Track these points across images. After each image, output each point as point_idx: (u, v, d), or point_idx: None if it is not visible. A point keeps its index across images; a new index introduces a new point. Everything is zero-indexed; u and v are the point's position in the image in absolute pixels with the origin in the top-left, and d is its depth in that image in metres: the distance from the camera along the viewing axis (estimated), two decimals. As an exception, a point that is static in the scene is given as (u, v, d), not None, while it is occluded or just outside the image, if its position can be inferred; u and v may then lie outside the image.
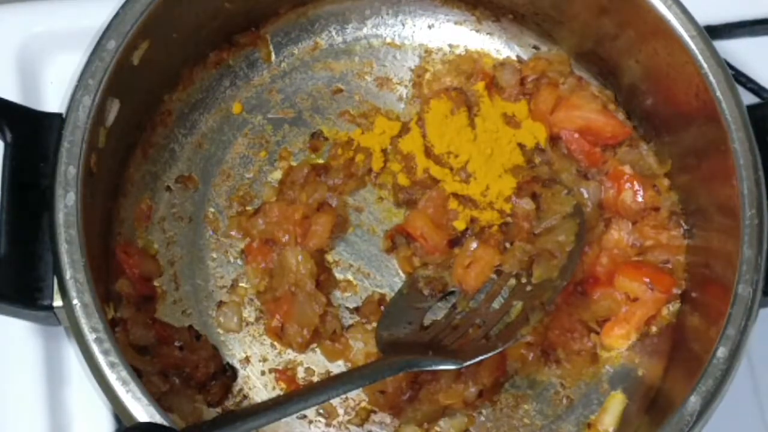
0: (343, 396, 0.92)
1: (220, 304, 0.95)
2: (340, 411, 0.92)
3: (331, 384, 0.84)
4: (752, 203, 0.85)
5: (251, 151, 1.00)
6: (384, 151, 0.99)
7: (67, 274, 0.80)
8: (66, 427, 0.94)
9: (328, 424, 0.92)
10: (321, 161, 1.00)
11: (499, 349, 0.88)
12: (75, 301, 0.79)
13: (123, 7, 0.88)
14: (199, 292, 0.95)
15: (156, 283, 0.95)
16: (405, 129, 1.00)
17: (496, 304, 0.93)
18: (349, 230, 0.98)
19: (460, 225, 0.95)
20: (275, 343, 0.94)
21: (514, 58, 1.05)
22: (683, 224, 0.96)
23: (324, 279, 0.95)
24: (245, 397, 0.93)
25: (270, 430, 0.90)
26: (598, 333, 0.95)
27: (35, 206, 0.83)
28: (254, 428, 0.79)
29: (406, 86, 1.03)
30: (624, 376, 0.95)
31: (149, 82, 0.95)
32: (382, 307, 0.95)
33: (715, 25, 1.08)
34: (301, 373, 0.93)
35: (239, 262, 0.96)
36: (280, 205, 0.96)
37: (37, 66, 1.04)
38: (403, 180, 0.98)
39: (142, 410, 0.77)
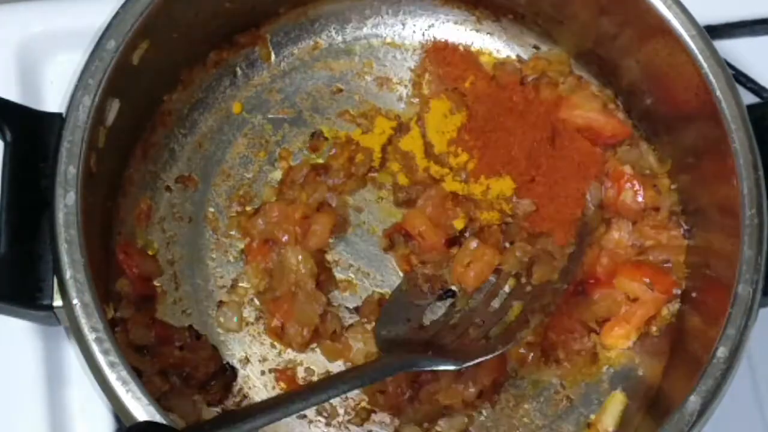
0: (343, 396, 0.92)
1: (220, 304, 0.95)
2: (340, 411, 0.92)
3: (331, 384, 0.84)
4: (752, 203, 0.85)
5: (251, 151, 1.00)
6: (384, 150, 1.00)
7: (67, 274, 0.80)
8: (66, 427, 0.94)
9: (328, 424, 0.92)
10: (321, 161, 1.00)
11: (499, 351, 0.88)
12: (75, 301, 0.79)
13: (123, 7, 0.88)
14: (199, 292, 0.95)
15: (156, 283, 0.95)
16: (405, 129, 1.00)
17: (495, 304, 0.93)
18: (349, 230, 0.98)
19: (459, 224, 0.95)
20: (275, 342, 0.94)
21: (514, 57, 1.05)
22: (683, 224, 0.96)
23: (324, 279, 0.95)
24: (245, 396, 0.93)
25: (270, 430, 0.90)
26: (598, 333, 0.95)
27: (35, 206, 0.83)
28: (254, 428, 0.79)
29: (406, 86, 1.03)
30: (624, 376, 0.95)
31: (149, 82, 0.95)
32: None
33: (715, 25, 1.08)
34: (301, 373, 0.93)
35: (239, 262, 0.96)
36: (280, 205, 0.96)
37: (37, 66, 1.04)
38: (402, 180, 0.98)
39: (142, 410, 0.77)
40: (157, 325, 0.92)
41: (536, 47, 1.05)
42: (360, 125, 1.01)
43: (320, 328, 0.93)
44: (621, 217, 0.97)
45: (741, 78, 1.07)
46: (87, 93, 0.85)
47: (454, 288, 0.95)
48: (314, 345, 0.94)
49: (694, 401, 0.81)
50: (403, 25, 1.05)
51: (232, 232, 0.97)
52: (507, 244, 0.95)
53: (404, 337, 0.91)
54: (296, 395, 0.83)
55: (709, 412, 0.81)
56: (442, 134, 0.98)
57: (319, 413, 0.92)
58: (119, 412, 0.79)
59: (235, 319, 0.94)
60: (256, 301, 0.95)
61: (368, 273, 0.97)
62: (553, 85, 1.01)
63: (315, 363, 0.94)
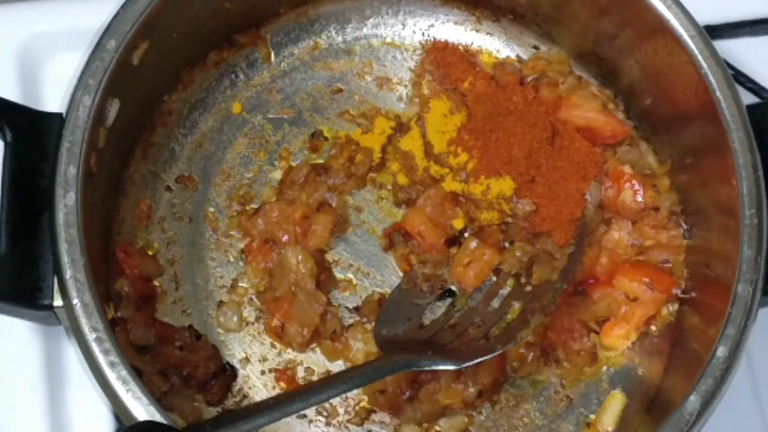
0: (343, 396, 0.92)
1: (220, 303, 0.95)
2: (340, 410, 0.92)
3: (331, 383, 0.84)
4: (752, 203, 0.85)
5: (251, 151, 1.00)
6: (384, 150, 1.00)
7: (67, 274, 0.80)
8: (66, 427, 0.94)
9: (328, 424, 0.92)
10: (321, 161, 1.00)
11: (499, 351, 0.89)
12: (75, 301, 0.79)
13: (123, 7, 0.88)
14: (199, 291, 0.96)
15: (156, 283, 0.95)
16: (405, 129, 1.00)
17: (495, 304, 0.93)
18: (349, 230, 0.98)
19: (458, 224, 0.95)
20: (275, 342, 0.94)
21: (513, 57, 1.05)
22: (683, 224, 0.96)
23: (324, 278, 0.95)
24: (245, 396, 0.93)
25: (270, 429, 0.90)
26: (598, 333, 0.95)
27: (35, 206, 0.83)
28: (254, 428, 0.79)
29: (406, 86, 1.03)
30: (624, 375, 0.95)
31: (149, 82, 0.95)
32: (382, 307, 0.95)
33: (715, 25, 1.08)
34: (301, 372, 0.93)
35: (239, 262, 0.96)
36: (280, 205, 0.96)
37: (37, 66, 1.04)
38: (402, 179, 0.98)
39: (142, 410, 0.77)
40: (157, 325, 0.92)
41: (536, 47, 1.05)
42: (360, 125, 1.01)
43: (320, 328, 0.93)
44: (621, 217, 0.97)
45: (741, 78, 1.07)
46: (87, 93, 0.85)
47: (453, 288, 0.95)
48: (314, 345, 0.94)
49: (693, 401, 0.81)
50: (403, 25, 1.05)
51: (232, 232, 0.97)
52: (507, 244, 0.95)
53: (404, 337, 0.91)
54: (296, 395, 0.83)
55: (708, 411, 0.81)
56: (442, 134, 0.98)
57: (319, 413, 0.92)
58: (119, 412, 0.79)
59: (235, 319, 0.94)
60: (256, 301, 0.95)
61: (368, 273, 0.97)
62: (553, 85, 1.01)
63: (315, 363, 0.94)
